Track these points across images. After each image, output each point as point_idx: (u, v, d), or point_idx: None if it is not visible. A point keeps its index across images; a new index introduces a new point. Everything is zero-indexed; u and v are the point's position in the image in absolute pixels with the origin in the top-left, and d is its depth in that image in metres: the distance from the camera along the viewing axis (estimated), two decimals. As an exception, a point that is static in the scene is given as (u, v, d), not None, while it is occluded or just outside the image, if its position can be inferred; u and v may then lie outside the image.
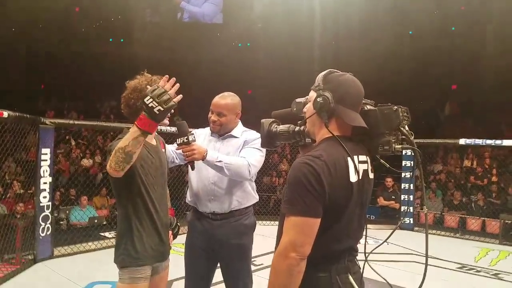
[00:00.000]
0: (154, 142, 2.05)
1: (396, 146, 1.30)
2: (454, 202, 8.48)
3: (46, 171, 4.54)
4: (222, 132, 2.42)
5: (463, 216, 7.56)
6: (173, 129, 4.94)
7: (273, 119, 1.65)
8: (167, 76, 1.66)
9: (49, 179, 4.57)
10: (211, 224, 2.36)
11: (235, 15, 13.65)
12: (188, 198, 2.49)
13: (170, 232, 2.16)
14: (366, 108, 1.37)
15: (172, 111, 1.91)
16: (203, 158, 2.14)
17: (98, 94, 14.20)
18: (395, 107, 1.31)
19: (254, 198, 2.48)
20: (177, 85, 1.65)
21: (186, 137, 2.05)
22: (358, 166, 1.30)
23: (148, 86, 1.75)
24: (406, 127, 1.32)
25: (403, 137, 1.31)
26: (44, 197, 4.53)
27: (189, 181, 2.49)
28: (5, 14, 11.96)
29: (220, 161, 2.18)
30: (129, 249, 1.87)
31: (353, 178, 1.28)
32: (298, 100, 1.55)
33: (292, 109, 1.58)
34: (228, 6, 13.98)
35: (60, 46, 13.20)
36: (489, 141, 6.55)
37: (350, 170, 1.27)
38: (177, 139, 2.09)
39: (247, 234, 2.42)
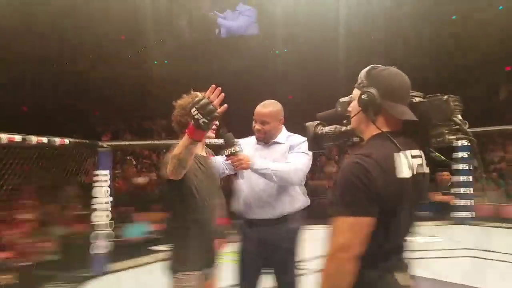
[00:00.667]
0: (204, 154, 2.18)
1: (450, 137, 1.26)
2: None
3: (106, 191, 4.80)
4: (267, 140, 2.47)
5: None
6: (221, 141, 5.06)
7: (318, 122, 1.65)
8: (213, 86, 1.73)
9: (109, 199, 4.83)
10: (262, 230, 2.41)
11: (268, 24, 13.76)
12: (236, 207, 2.55)
13: (223, 240, 2.25)
14: (415, 101, 1.33)
15: (217, 122, 2.01)
16: (251, 167, 2.21)
17: (150, 113, 14.89)
18: (445, 96, 1.27)
19: (305, 201, 2.50)
20: (222, 95, 1.71)
21: (233, 147, 2.15)
22: (411, 161, 1.26)
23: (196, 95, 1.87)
24: (459, 116, 1.26)
25: (457, 127, 1.26)
26: (107, 216, 4.77)
27: (238, 190, 2.55)
28: (55, 51, 12.85)
29: (267, 168, 2.24)
30: (180, 255, 1.98)
31: (407, 174, 1.25)
32: (342, 100, 1.54)
33: (336, 109, 1.57)
34: (260, 16, 14.14)
35: (109, 72, 13.95)
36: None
37: (402, 166, 1.24)
38: (225, 150, 2.19)
39: (294, 238, 2.46)
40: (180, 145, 1.77)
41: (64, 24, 12.06)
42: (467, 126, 1.26)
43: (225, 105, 1.74)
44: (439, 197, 7.47)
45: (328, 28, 12.94)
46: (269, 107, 2.44)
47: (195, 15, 14.31)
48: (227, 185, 7.02)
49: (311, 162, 2.44)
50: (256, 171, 2.25)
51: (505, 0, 11.80)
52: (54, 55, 13.08)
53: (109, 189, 4.83)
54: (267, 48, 14.80)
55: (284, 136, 2.49)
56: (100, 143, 4.79)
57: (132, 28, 13.26)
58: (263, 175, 2.26)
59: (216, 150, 2.65)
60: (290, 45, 14.19)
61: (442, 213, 7.19)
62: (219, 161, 2.51)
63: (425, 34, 12.52)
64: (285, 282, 2.45)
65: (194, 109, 1.68)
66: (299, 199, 2.46)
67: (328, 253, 1.24)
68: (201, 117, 1.66)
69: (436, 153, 1.36)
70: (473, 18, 12.22)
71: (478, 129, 6.57)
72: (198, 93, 2.07)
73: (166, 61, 15.02)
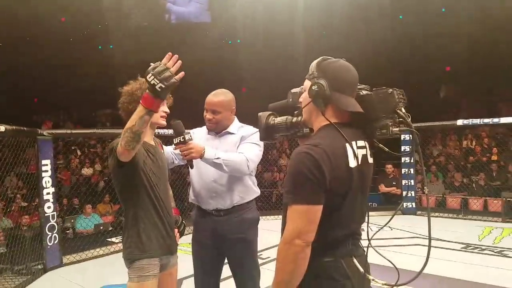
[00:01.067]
0: (153, 143, 2.09)
1: (394, 129, 1.31)
2: (455, 184, 8.53)
3: (48, 182, 4.55)
4: (218, 130, 2.43)
5: (464, 197, 7.60)
6: (171, 131, 4.97)
7: (270, 112, 1.65)
8: (170, 53, 1.65)
9: (52, 190, 4.59)
10: (215, 220, 2.39)
11: (223, 13, 13.62)
12: (191, 197, 2.52)
13: (176, 230, 2.19)
14: (362, 93, 1.36)
15: (168, 110, 1.96)
16: (201, 156, 2.15)
17: (92, 102, 14.19)
18: (390, 89, 1.31)
19: (255, 192, 2.50)
20: (179, 62, 1.64)
21: (183, 136, 2.07)
22: (356, 152, 1.31)
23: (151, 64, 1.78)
24: (403, 109, 1.31)
25: (401, 119, 1.31)
26: (49, 207, 4.54)
27: (190, 180, 2.51)
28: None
29: (218, 158, 2.20)
30: (136, 241, 1.91)
31: (352, 163, 1.29)
32: (293, 90, 1.55)
33: (288, 100, 1.58)
34: (215, 4, 13.94)
35: (48, 57, 13.16)
36: (486, 120, 6.58)
37: (349, 156, 1.28)
38: (174, 139, 2.11)
39: (251, 228, 2.44)
40: (133, 117, 1.68)
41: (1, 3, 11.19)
42: (410, 119, 1.31)
43: (182, 72, 1.66)
44: (384, 188, 7.84)
45: (283, 21, 13.05)
46: (220, 96, 2.39)
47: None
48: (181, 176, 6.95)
49: (262, 152, 2.44)
50: (206, 160, 2.20)
51: (448, 3, 12.46)
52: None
53: (51, 179, 4.57)
54: (220, 37, 14.66)
55: (236, 126, 2.45)
56: (39, 131, 4.51)
57: (75, 9, 12.55)
58: (214, 164, 2.22)
59: (166, 141, 2.59)
60: (245, 35, 14.14)
61: (388, 203, 7.58)
62: (168, 152, 2.45)
63: (376, 33, 12.97)
64: (241, 277, 2.44)
65: (150, 75, 1.59)
66: (250, 190, 2.45)
67: (283, 240, 1.26)
68: (158, 82, 1.58)
69: (380, 145, 1.41)
70: (417, 18, 12.85)
71: (421, 124, 6.95)
72: (142, 79, 1.98)
73: (111, 46, 14.42)
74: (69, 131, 5.38)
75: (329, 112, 1.34)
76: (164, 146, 2.39)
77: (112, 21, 13.51)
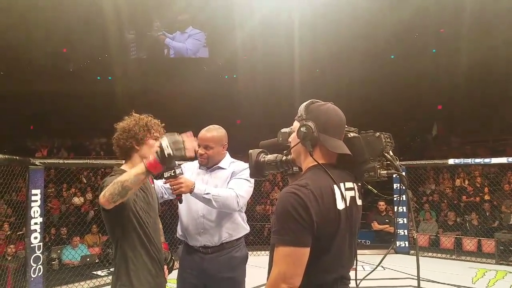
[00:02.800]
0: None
1: (382, 172, 1.32)
2: (448, 222, 8.48)
3: (37, 211, 4.48)
4: (210, 165, 2.44)
5: (458, 236, 7.54)
6: (175, 162, 4.98)
7: (261, 149, 1.68)
8: (191, 132, 1.78)
9: (40, 220, 4.50)
10: (202, 258, 2.35)
11: (220, 49, 13.96)
12: (179, 232, 2.48)
13: (166, 266, 2.15)
14: (349, 136, 1.40)
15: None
16: (191, 191, 2.16)
17: (88, 131, 14.24)
18: (378, 133, 1.35)
19: (245, 229, 2.47)
20: (196, 143, 1.77)
21: (173, 170, 2.04)
22: (344, 193, 1.31)
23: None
24: (391, 152, 1.34)
25: (388, 162, 1.33)
26: (35, 237, 4.44)
27: (179, 215, 2.49)
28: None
29: (207, 194, 2.20)
30: (126, 285, 1.87)
31: (340, 205, 1.29)
32: (283, 130, 1.58)
33: (278, 139, 1.61)
34: (212, 40, 14.32)
35: (47, 85, 13.30)
36: (478, 160, 6.64)
37: (336, 197, 1.29)
38: (165, 173, 2.08)
39: (239, 267, 2.40)
40: (130, 172, 1.71)
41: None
42: (398, 162, 1.34)
43: (194, 154, 1.80)
44: (377, 225, 7.76)
45: (279, 59, 13.37)
46: (212, 131, 2.42)
47: (144, 33, 14.17)
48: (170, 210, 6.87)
49: (252, 188, 2.44)
50: (196, 195, 2.20)
51: (439, 43, 12.88)
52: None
53: (40, 209, 4.50)
54: (217, 72, 14.95)
55: (227, 162, 2.46)
56: (32, 160, 4.48)
57: (75, 41, 12.82)
58: (203, 200, 2.21)
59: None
60: (240, 71, 14.43)
61: (381, 241, 7.49)
62: (158, 186, 2.44)
63: (367, 71, 13.29)
64: None
65: (165, 139, 1.68)
66: (239, 227, 2.42)
67: (268, 284, 1.24)
68: (169, 149, 1.66)
69: (369, 186, 1.42)
70: (409, 58, 13.22)
71: (413, 162, 7.00)
72: (140, 115, 2.04)
73: (110, 78, 14.62)
74: (61, 161, 5.35)
75: (317, 153, 1.37)
76: (154, 180, 2.37)
77: (112, 53, 13.78)
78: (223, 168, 2.44)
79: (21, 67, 13.06)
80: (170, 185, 2.11)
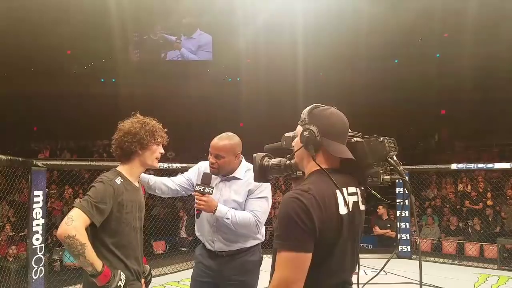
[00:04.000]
0: (137, 185, 2.06)
1: (385, 177, 1.32)
2: (451, 227, 8.45)
3: (39, 213, 4.47)
4: (222, 173, 2.40)
5: (460, 241, 7.51)
6: (177, 165, 5.07)
7: (265, 153, 1.68)
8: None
9: (42, 221, 4.50)
10: (217, 260, 2.38)
11: (224, 52, 13.98)
12: (197, 232, 2.52)
13: (143, 280, 2.11)
14: (353, 140, 1.40)
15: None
16: (212, 212, 2.23)
17: (91, 133, 14.29)
18: (381, 138, 1.34)
19: (259, 239, 2.46)
20: None
21: (204, 187, 2.22)
22: (347, 198, 1.31)
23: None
24: (395, 157, 1.34)
25: (392, 167, 1.33)
26: (37, 239, 4.44)
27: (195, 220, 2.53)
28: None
29: (227, 218, 2.25)
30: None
31: (343, 210, 1.29)
32: (287, 134, 1.59)
33: (282, 143, 1.61)
34: (216, 43, 14.34)
35: (50, 87, 13.36)
36: (480, 165, 6.61)
37: (339, 202, 1.28)
38: (197, 185, 2.26)
39: (252, 271, 2.40)
40: (91, 257, 1.71)
41: (3, 32, 11.45)
42: (401, 166, 1.33)
43: None
44: (378, 230, 7.73)
45: (283, 62, 13.38)
46: (224, 140, 2.37)
47: (148, 36, 14.21)
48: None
49: (270, 203, 2.44)
50: (217, 217, 2.26)
51: (441, 48, 12.86)
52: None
53: (42, 211, 4.50)
54: (220, 75, 14.97)
55: (243, 170, 2.41)
56: (34, 162, 4.48)
57: (79, 43, 12.87)
58: (223, 221, 2.26)
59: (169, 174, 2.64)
60: (244, 74, 14.44)
61: (383, 245, 7.46)
62: (176, 182, 2.51)
63: (370, 75, 13.28)
64: None
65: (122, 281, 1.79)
66: (252, 237, 2.40)
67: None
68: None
69: (373, 191, 1.42)
70: (413, 63, 13.20)
71: (415, 167, 6.97)
72: (144, 118, 2.02)
73: (113, 80, 14.67)
74: (64, 163, 5.35)
75: (320, 157, 1.36)
76: (163, 179, 2.48)
77: (116, 56, 13.83)
78: (238, 178, 2.40)
79: (25, 69, 13.14)
80: (196, 199, 2.23)
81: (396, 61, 14.01)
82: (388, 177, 1.33)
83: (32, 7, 11.17)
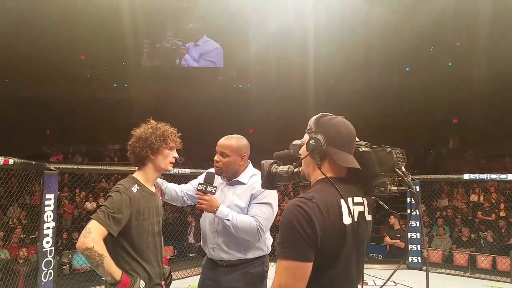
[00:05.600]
0: (153, 189, 2.07)
1: (392, 188, 1.31)
2: (462, 238, 8.32)
3: (50, 216, 4.53)
4: (227, 176, 2.36)
5: (472, 253, 7.38)
6: (187, 170, 5.06)
7: (274, 160, 1.68)
8: None
9: (53, 224, 4.55)
10: (219, 270, 2.32)
11: (234, 59, 14.05)
12: (201, 242, 2.49)
13: (163, 282, 2.11)
14: (360, 150, 1.38)
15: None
16: (213, 212, 2.20)
17: (103, 137, 14.46)
18: (389, 148, 1.33)
19: (262, 251, 2.35)
20: None
21: (206, 186, 2.20)
22: (352, 208, 1.30)
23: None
24: (403, 168, 1.33)
25: (400, 178, 1.32)
26: (47, 242, 4.49)
27: (201, 223, 2.49)
28: (11, 64, 12.42)
29: (228, 220, 2.18)
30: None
31: (347, 220, 1.27)
32: (294, 142, 1.59)
33: (290, 151, 1.61)
34: (227, 50, 14.41)
35: (64, 91, 13.57)
36: (493, 176, 6.51)
37: (343, 212, 1.27)
38: (199, 184, 2.24)
39: (255, 284, 2.30)
40: (110, 267, 1.74)
41: (19, 37, 11.69)
42: (409, 177, 1.32)
43: None
44: (388, 240, 7.64)
45: (293, 69, 13.39)
46: (232, 140, 2.34)
47: (159, 42, 14.35)
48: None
49: (275, 210, 2.35)
50: (218, 218, 2.22)
51: (454, 57, 12.75)
52: (9, 70, 12.62)
53: (53, 214, 4.56)
54: (231, 81, 15.04)
55: (248, 175, 2.36)
56: (46, 165, 4.55)
57: (93, 48, 13.05)
58: (223, 222, 2.21)
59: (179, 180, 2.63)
60: (254, 81, 14.47)
61: (393, 255, 7.36)
62: (177, 191, 2.46)
63: (382, 83, 13.20)
64: None
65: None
66: (255, 247, 2.31)
67: None
68: None
69: (380, 202, 1.40)
70: (424, 71, 13.09)
71: (427, 177, 6.89)
72: (157, 123, 2.04)
73: (126, 85, 14.83)
74: (75, 166, 5.42)
75: (326, 166, 1.36)
76: (172, 186, 2.45)
77: (128, 61, 13.99)
78: (242, 183, 2.35)
79: (40, 73, 13.36)
80: (198, 198, 2.21)
81: (407, 69, 13.91)
82: (396, 188, 1.32)
83: (47, 14, 11.38)
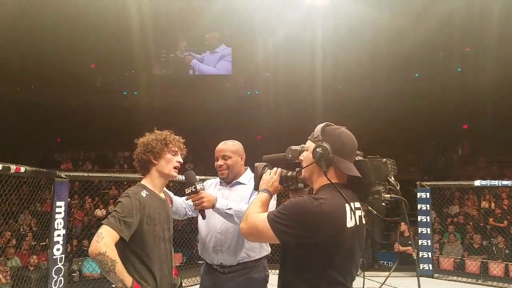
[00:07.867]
0: (163, 196, 2.07)
1: (385, 196, 1.38)
2: (474, 245, 8.19)
3: (60, 223, 4.60)
4: (230, 178, 2.40)
5: (484, 260, 7.27)
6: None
7: (266, 163, 1.72)
8: None
9: (63, 231, 4.62)
10: (219, 277, 2.30)
11: (242, 66, 14.13)
12: (199, 250, 2.46)
13: None
14: (357, 159, 1.46)
15: (181, 160, 2.05)
16: (213, 206, 2.12)
17: (113, 144, 14.63)
18: (384, 159, 1.41)
19: (265, 250, 2.39)
20: None
21: (194, 186, 2.08)
22: (355, 213, 1.39)
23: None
24: (393, 177, 1.41)
25: (390, 187, 1.39)
26: (58, 249, 4.55)
27: (199, 231, 2.46)
28: (24, 72, 12.68)
29: (230, 209, 2.14)
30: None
31: (350, 223, 1.36)
32: (293, 147, 1.62)
33: (287, 156, 1.64)
34: (235, 57, 14.51)
35: (74, 99, 13.78)
36: (505, 182, 6.45)
37: (347, 216, 1.36)
38: (186, 189, 2.10)
39: None
40: (122, 273, 1.73)
41: (28, 45, 11.92)
42: (398, 187, 1.40)
43: None
44: (399, 247, 7.55)
45: (301, 76, 13.41)
46: (228, 143, 2.42)
47: (169, 51, 14.49)
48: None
49: (274, 206, 2.31)
50: (217, 210, 2.14)
51: (463, 63, 12.65)
52: (17, 78, 12.87)
53: (63, 221, 4.62)
54: (239, 88, 15.11)
55: (248, 177, 2.41)
56: (57, 173, 4.63)
57: (103, 57, 13.25)
58: (225, 215, 2.15)
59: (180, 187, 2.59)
60: (262, 87, 14.51)
61: (404, 263, 7.27)
62: (180, 203, 2.41)
63: (390, 89, 13.14)
64: None
65: None
66: (258, 247, 2.33)
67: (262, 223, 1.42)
68: None
69: (369, 207, 1.45)
70: (433, 77, 13.00)
71: (438, 183, 6.83)
72: (162, 132, 2.06)
73: (135, 93, 15.00)
74: (86, 174, 5.51)
75: (331, 173, 1.44)
76: (174, 197, 2.38)
77: (138, 70, 14.17)
78: (243, 184, 2.39)
79: (52, 81, 13.60)
80: (192, 201, 2.12)
81: (416, 75, 13.84)
82: (388, 196, 1.39)
83: (61, 24, 11.61)
